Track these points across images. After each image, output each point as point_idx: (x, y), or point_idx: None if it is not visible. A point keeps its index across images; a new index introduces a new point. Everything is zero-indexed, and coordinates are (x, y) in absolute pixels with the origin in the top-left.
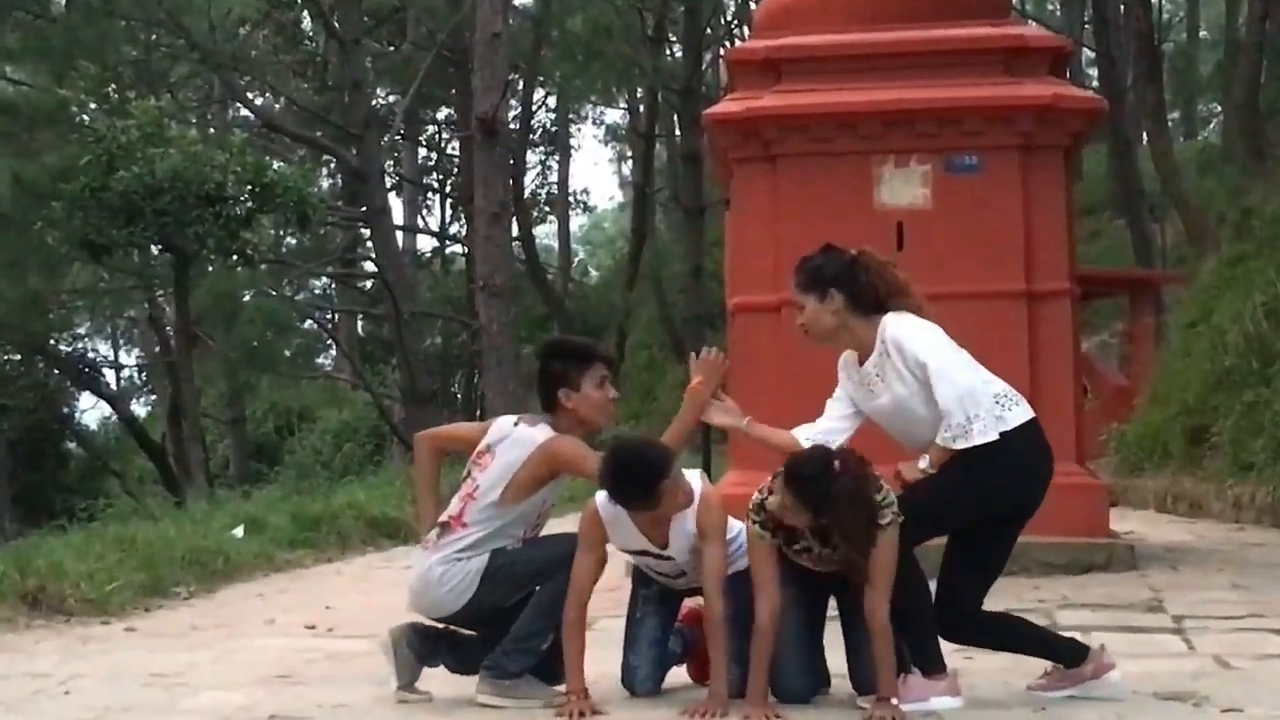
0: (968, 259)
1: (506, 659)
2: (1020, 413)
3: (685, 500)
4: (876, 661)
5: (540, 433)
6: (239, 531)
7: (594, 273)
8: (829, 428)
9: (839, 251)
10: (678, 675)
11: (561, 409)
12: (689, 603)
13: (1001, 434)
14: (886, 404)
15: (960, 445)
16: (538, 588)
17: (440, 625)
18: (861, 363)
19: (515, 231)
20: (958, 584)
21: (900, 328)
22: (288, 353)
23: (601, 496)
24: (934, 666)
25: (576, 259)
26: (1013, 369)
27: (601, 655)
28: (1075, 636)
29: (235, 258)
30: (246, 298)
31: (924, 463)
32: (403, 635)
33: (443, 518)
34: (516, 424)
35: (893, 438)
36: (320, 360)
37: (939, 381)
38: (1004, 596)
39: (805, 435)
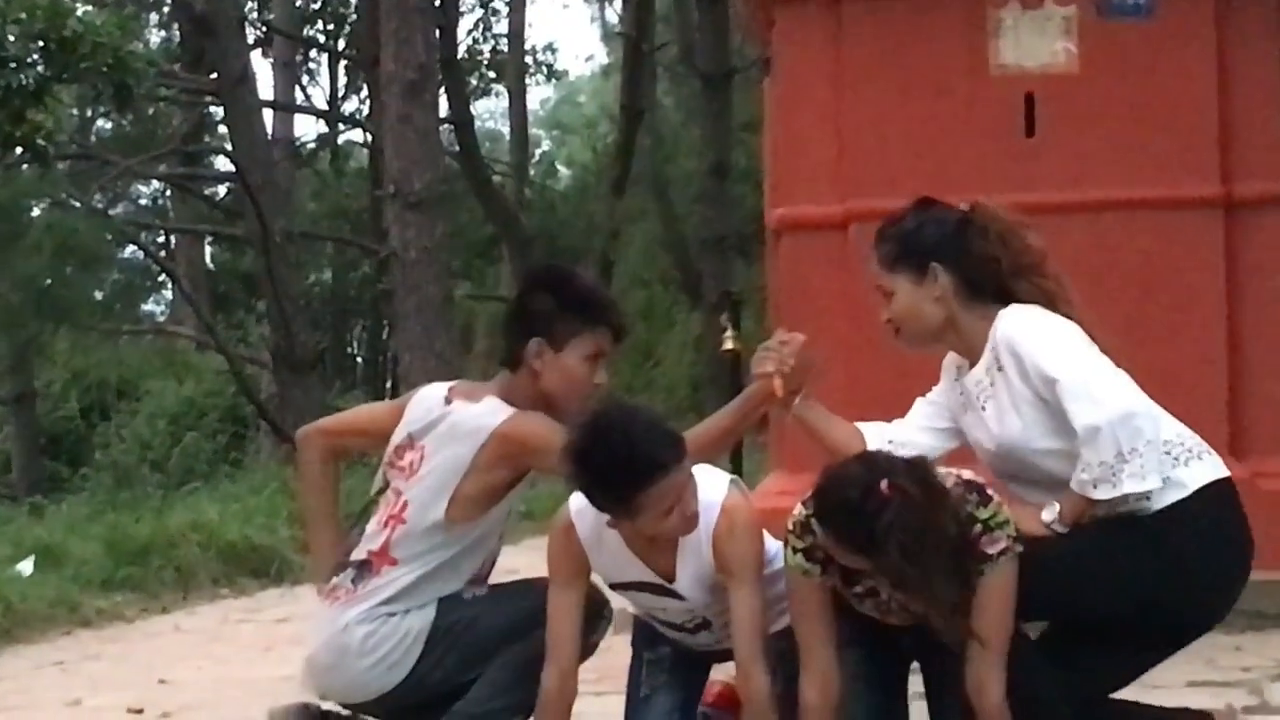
0: (1131, 149)
1: None
2: (1203, 470)
3: (684, 524)
4: None
5: (489, 411)
6: (26, 567)
7: (564, 171)
8: (910, 439)
9: (942, 207)
10: None
11: (524, 367)
12: (719, 675)
13: (1172, 504)
14: (999, 436)
15: (1103, 494)
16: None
17: (344, 713)
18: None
19: (444, 110)
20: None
21: (1017, 324)
22: (99, 295)
23: (577, 503)
24: None
25: (538, 151)
26: (1200, 317)
27: None
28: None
29: (19, 151)
30: (35, 211)
31: (1050, 514)
32: None
33: (359, 553)
34: (449, 400)
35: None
36: (149, 307)
37: (1074, 400)
38: (1188, 661)
39: (875, 440)
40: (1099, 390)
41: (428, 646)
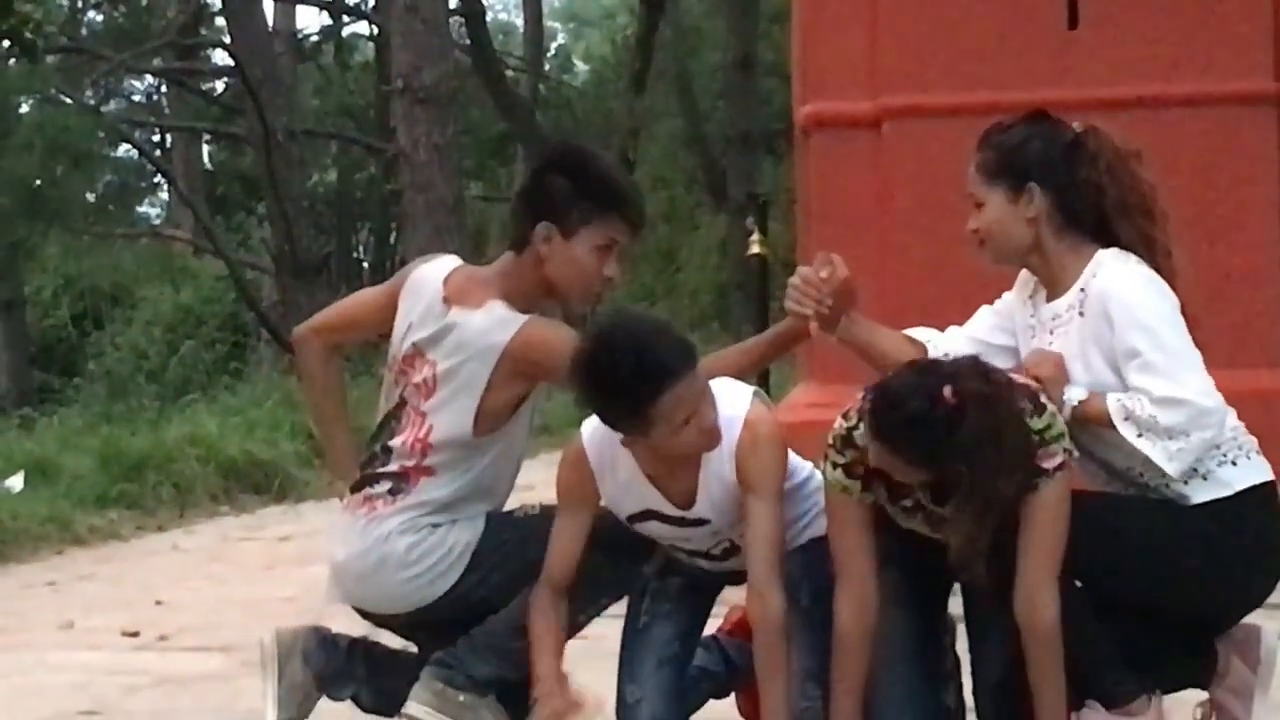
0: (1180, 42)
1: (473, 657)
2: (1250, 471)
3: (703, 438)
4: (1035, 692)
5: (497, 324)
6: (16, 483)
7: (581, 66)
8: (961, 351)
9: (1054, 124)
10: (720, 712)
11: (530, 252)
12: (731, 599)
13: (1214, 501)
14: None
15: (1123, 431)
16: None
17: (356, 636)
18: (1050, 299)
19: (454, 1)
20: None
21: (1119, 280)
22: (91, 196)
23: (589, 430)
24: (1121, 691)
25: (554, 44)
26: (1253, 220)
27: (599, 679)
28: None
29: (6, 44)
30: (23, 108)
31: (1073, 395)
32: (299, 643)
33: (394, 465)
34: (448, 302)
35: None
36: (144, 209)
37: (1155, 375)
38: None
39: (932, 348)
40: (1189, 375)
41: (474, 562)
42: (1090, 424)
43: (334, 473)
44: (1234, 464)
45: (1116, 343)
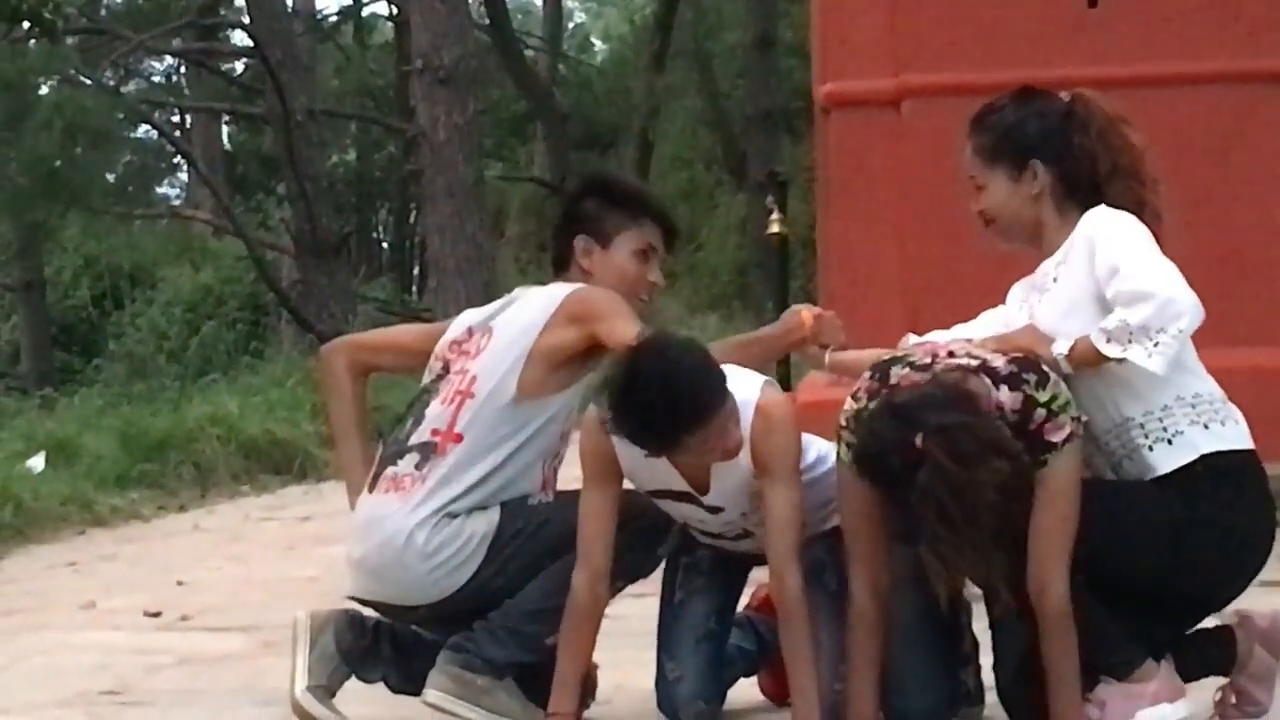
0: (1203, 18)
1: (490, 642)
2: (1235, 434)
3: (726, 454)
4: (1049, 670)
5: (559, 285)
6: (37, 463)
7: (600, 45)
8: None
9: (1044, 98)
10: (746, 691)
11: (575, 268)
12: (759, 577)
13: (1183, 469)
14: (1047, 329)
15: (1109, 352)
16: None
17: (384, 619)
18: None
19: None
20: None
21: (1100, 218)
22: (111, 177)
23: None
24: (1129, 661)
25: (572, 24)
26: (1273, 208)
27: (623, 659)
28: None
29: (26, 25)
30: (43, 89)
31: (1061, 347)
32: (330, 623)
33: (420, 435)
34: (506, 306)
35: None
36: (164, 190)
37: (1125, 280)
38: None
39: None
40: (1156, 274)
41: (491, 551)
42: (1087, 366)
43: (349, 489)
44: (1205, 427)
45: (1098, 266)
